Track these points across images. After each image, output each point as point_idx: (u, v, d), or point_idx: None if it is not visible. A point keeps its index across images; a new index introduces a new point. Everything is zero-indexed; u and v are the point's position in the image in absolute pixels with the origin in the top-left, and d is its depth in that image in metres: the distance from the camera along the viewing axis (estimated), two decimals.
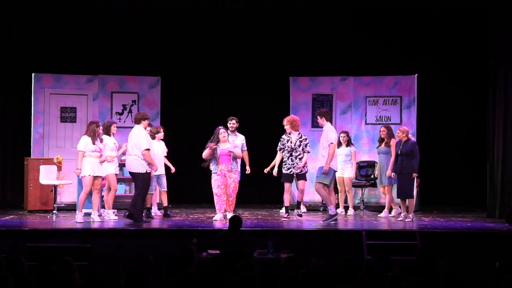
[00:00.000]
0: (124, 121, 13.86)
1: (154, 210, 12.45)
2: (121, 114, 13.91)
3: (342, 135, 12.87)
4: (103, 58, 14.25)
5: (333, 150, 11.36)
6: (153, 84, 14.05)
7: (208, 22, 14.26)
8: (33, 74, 13.54)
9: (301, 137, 11.85)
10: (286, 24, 14.32)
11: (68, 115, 13.50)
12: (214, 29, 14.43)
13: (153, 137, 11.89)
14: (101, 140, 11.49)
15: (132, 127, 12.55)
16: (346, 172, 12.84)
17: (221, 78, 14.72)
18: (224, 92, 14.80)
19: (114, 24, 14.26)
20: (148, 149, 11.21)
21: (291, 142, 11.86)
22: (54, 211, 12.13)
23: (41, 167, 12.43)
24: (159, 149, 12.13)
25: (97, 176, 11.42)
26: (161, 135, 12.24)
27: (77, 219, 11.19)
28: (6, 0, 12.95)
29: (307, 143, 11.85)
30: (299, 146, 11.81)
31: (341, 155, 12.72)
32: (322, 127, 11.65)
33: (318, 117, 11.67)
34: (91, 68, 13.96)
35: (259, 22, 14.24)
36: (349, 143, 12.90)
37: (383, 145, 12.52)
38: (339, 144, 12.77)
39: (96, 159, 11.36)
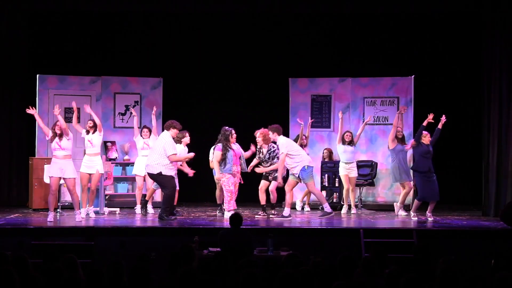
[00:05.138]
0: (127, 122, 14.03)
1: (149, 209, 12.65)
2: (123, 114, 14.05)
3: (346, 133, 12.95)
4: (106, 60, 14.37)
5: (283, 159, 11.63)
6: (155, 85, 14.18)
7: (209, 24, 14.36)
8: (37, 75, 13.69)
9: (269, 150, 12.13)
10: (285, 26, 14.43)
11: (72, 116, 13.55)
12: (215, 31, 14.51)
13: (179, 141, 12.01)
14: (60, 138, 11.12)
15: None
16: (352, 172, 12.92)
17: (222, 79, 14.80)
18: (224, 93, 14.88)
19: (117, 27, 14.39)
20: (175, 154, 11.44)
21: (262, 154, 12.17)
22: (58, 210, 12.23)
23: (46, 166, 12.28)
24: (183, 153, 12.18)
25: (65, 177, 11.14)
26: (187, 139, 12.25)
27: (76, 218, 11.24)
28: (11, 3, 13.06)
29: (276, 153, 12.06)
30: (269, 158, 12.12)
31: (346, 152, 12.85)
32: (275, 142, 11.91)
33: (270, 132, 11.88)
34: (94, 69, 14.08)
35: (259, 25, 14.34)
36: (351, 142, 12.89)
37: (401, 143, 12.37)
38: (344, 142, 12.89)
39: (62, 160, 11.10)
